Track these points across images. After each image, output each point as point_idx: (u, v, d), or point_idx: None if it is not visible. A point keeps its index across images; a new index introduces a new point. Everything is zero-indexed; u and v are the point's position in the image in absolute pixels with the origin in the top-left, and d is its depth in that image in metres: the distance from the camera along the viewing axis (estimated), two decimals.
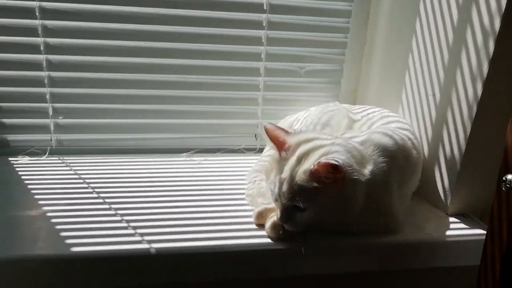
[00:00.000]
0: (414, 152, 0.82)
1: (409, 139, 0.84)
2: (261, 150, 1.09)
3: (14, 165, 0.98)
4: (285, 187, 0.71)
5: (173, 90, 1.08)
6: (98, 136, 1.08)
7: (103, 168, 1.01)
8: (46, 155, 1.03)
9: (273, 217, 0.76)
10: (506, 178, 0.54)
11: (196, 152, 1.12)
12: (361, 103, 1.13)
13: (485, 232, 0.62)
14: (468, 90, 0.79)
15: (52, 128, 1.03)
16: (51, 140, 1.04)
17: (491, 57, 0.74)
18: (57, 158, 1.03)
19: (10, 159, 1.01)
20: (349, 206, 0.72)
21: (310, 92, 1.16)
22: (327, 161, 0.66)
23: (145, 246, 0.71)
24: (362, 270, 0.79)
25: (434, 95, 0.88)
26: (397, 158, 0.77)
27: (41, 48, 0.96)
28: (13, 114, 1.02)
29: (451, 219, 0.86)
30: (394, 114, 0.95)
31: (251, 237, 0.75)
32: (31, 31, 0.94)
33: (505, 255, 0.56)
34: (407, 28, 0.98)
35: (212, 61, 1.07)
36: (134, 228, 0.76)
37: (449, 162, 0.85)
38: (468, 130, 0.80)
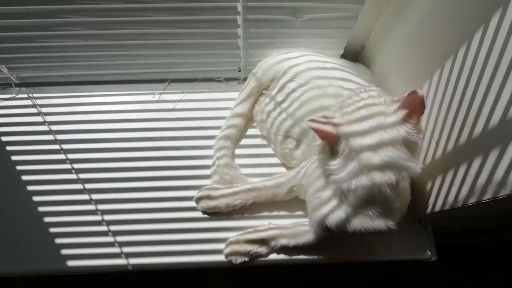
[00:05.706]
0: None
1: None
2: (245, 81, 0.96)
3: None
4: None
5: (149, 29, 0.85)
6: (61, 73, 0.96)
7: (70, 112, 0.96)
8: (14, 93, 0.98)
9: None
10: None
11: (172, 82, 1.01)
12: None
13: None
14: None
15: (6, 70, 0.93)
16: (12, 77, 0.96)
17: None
18: (26, 96, 0.98)
19: None
20: None
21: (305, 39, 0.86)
22: None
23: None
24: None
25: (437, 143, 0.67)
26: None
27: None
28: None
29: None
30: None
31: None
32: None
33: None
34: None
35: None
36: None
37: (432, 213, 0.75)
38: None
